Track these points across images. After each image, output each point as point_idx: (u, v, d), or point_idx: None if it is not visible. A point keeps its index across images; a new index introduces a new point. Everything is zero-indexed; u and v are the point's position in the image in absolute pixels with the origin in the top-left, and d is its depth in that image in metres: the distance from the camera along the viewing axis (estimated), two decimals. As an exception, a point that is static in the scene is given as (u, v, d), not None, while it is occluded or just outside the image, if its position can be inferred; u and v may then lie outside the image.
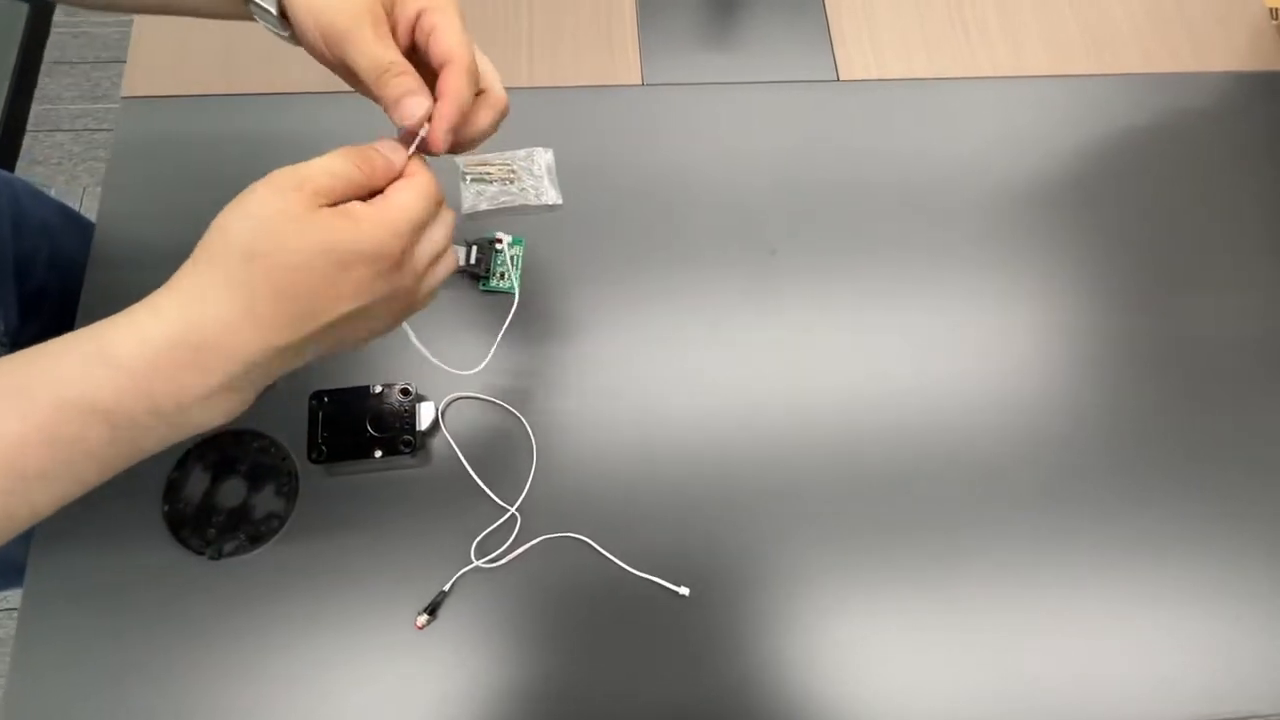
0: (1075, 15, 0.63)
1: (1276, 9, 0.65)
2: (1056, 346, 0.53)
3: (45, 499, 0.27)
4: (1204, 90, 0.61)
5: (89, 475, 0.27)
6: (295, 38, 0.33)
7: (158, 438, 0.27)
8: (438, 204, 0.30)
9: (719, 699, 0.43)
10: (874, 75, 0.59)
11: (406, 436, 0.44)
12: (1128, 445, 0.50)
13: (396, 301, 0.30)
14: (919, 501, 0.48)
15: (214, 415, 0.28)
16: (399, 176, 0.30)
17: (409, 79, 0.30)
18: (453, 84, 0.31)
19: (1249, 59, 0.62)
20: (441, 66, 0.31)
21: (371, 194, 0.30)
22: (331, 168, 0.28)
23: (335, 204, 0.28)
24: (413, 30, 0.32)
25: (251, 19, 0.34)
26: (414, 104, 0.30)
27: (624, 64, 0.59)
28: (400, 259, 0.29)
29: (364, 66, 0.30)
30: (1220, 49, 0.62)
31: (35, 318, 0.50)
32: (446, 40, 0.31)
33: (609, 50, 0.59)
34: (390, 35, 0.31)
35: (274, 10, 0.32)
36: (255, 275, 0.26)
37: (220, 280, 0.26)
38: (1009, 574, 0.47)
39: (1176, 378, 0.52)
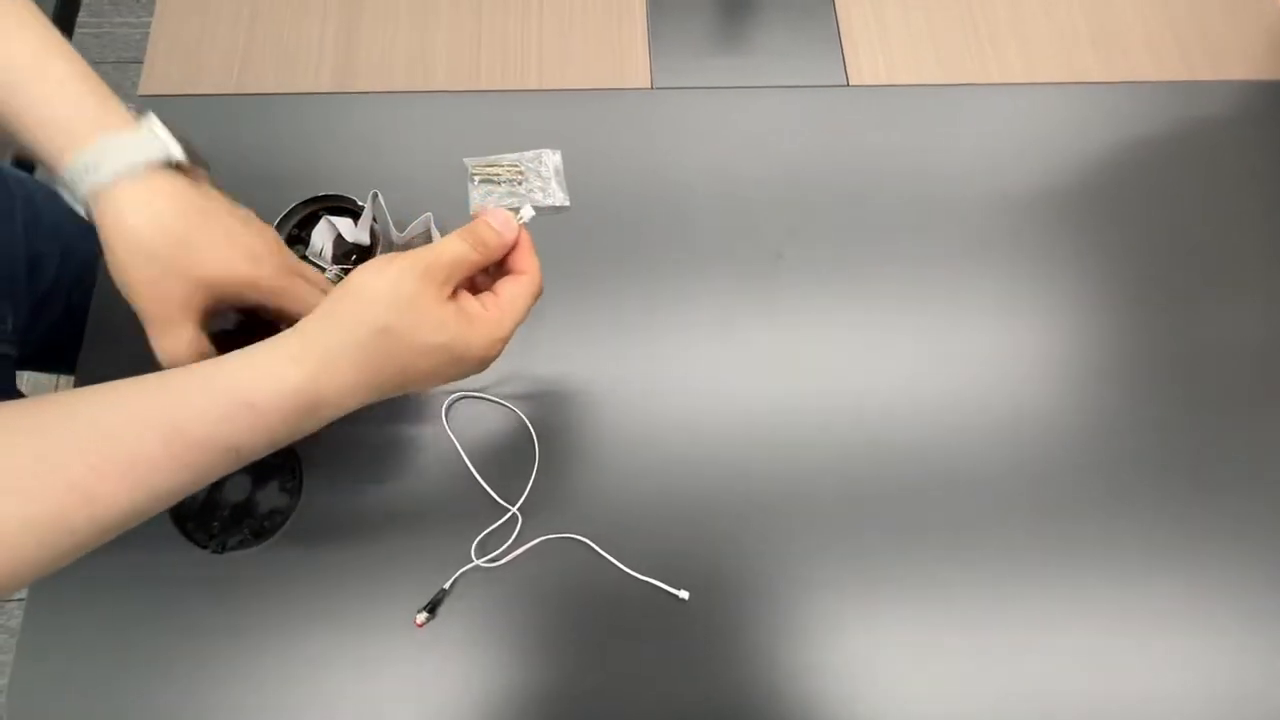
0: (1088, 22, 0.62)
1: (1295, 18, 0.64)
2: (1066, 355, 0.52)
3: (160, 507, 0.30)
4: (1219, 99, 0.60)
5: (196, 489, 0.31)
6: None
7: (259, 458, 0.32)
8: (538, 298, 0.35)
9: (716, 702, 0.43)
10: (884, 81, 0.59)
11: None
12: (1137, 456, 0.49)
13: (475, 374, 0.35)
14: (922, 509, 0.47)
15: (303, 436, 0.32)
16: (511, 249, 0.35)
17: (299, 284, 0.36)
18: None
19: (1265, 67, 0.61)
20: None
21: (485, 267, 0.34)
22: (460, 254, 0.33)
23: (458, 286, 0.33)
24: None
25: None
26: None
27: (633, 67, 0.59)
28: (498, 355, 0.34)
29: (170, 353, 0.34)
30: (1236, 57, 0.62)
31: (45, 316, 0.51)
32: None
33: (618, 53, 0.59)
34: (190, 317, 0.34)
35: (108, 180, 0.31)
36: (384, 350, 0.31)
37: (351, 346, 0.30)
38: (1013, 584, 0.46)
39: (1187, 388, 0.51)
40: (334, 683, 0.42)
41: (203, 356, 0.34)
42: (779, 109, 0.58)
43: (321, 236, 0.51)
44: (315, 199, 0.51)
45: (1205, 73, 0.61)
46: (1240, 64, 0.61)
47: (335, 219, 0.51)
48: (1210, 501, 0.48)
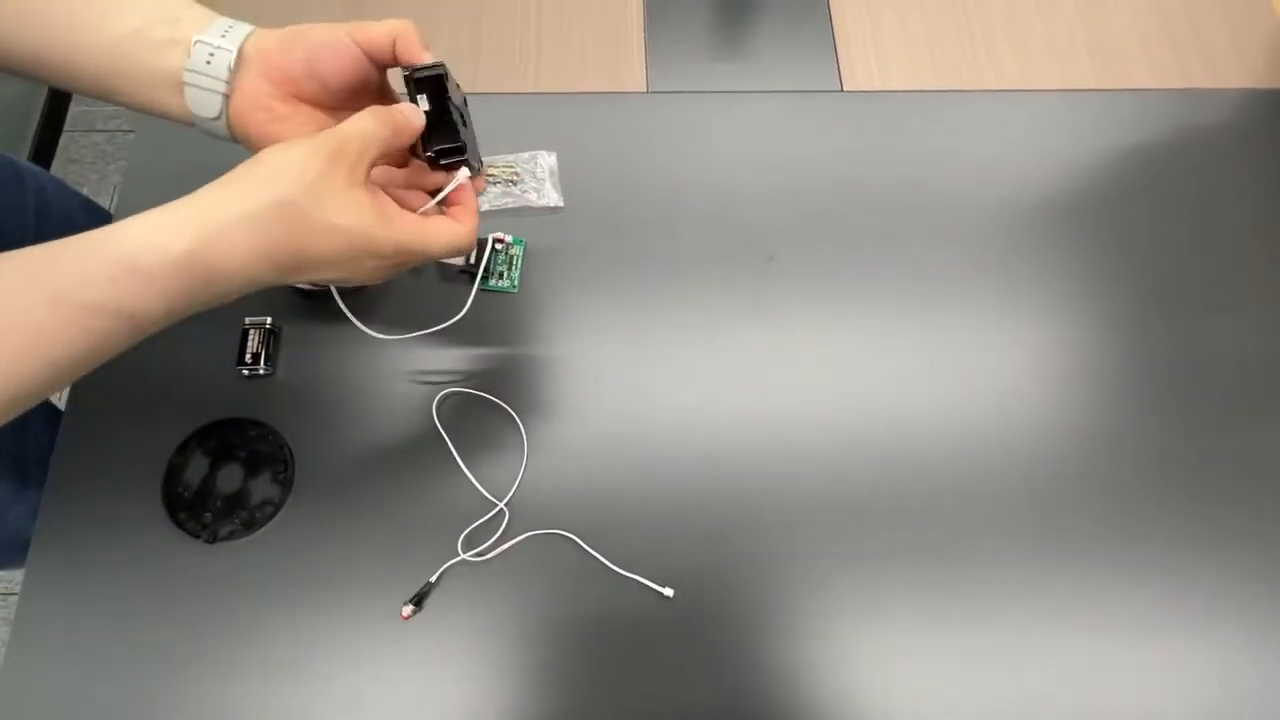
0: (1084, 29, 0.63)
1: (1294, 27, 0.64)
2: (1059, 362, 0.52)
3: (66, 379, 0.30)
4: (1216, 107, 0.60)
5: (105, 358, 0.30)
6: (229, 97, 0.35)
7: (164, 326, 0.31)
8: (465, 252, 0.36)
9: (700, 700, 0.43)
10: (878, 86, 0.60)
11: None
12: (1134, 460, 0.49)
13: (367, 278, 0.34)
14: (910, 511, 0.47)
15: (205, 308, 0.31)
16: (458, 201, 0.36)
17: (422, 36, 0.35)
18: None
19: (1263, 76, 0.61)
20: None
21: (395, 149, 0.34)
22: (368, 132, 0.32)
23: (370, 166, 0.32)
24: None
25: (143, 83, 0.35)
26: (428, 55, 0.35)
27: (630, 71, 0.60)
28: (402, 265, 0.34)
29: (390, 25, 0.35)
30: (1233, 65, 0.62)
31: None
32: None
33: (615, 57, 0.60)
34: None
35: (233, 49, 0.34)
36: (285, 224, 0.30)
37: (248, 216, 0.29)
38: (1006, 585, 0.46)
39: (1185, 396, 0.51)
40: (320, 673, 0.43)
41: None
42: (773, 114, 0.58)
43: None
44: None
45: (1203, 80, 0.61)
46: (1238, 72, 0.61)
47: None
48: (1212, 511, 0.48)
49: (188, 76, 0.34)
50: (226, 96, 0.35)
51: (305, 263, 0.31)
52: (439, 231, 0.34)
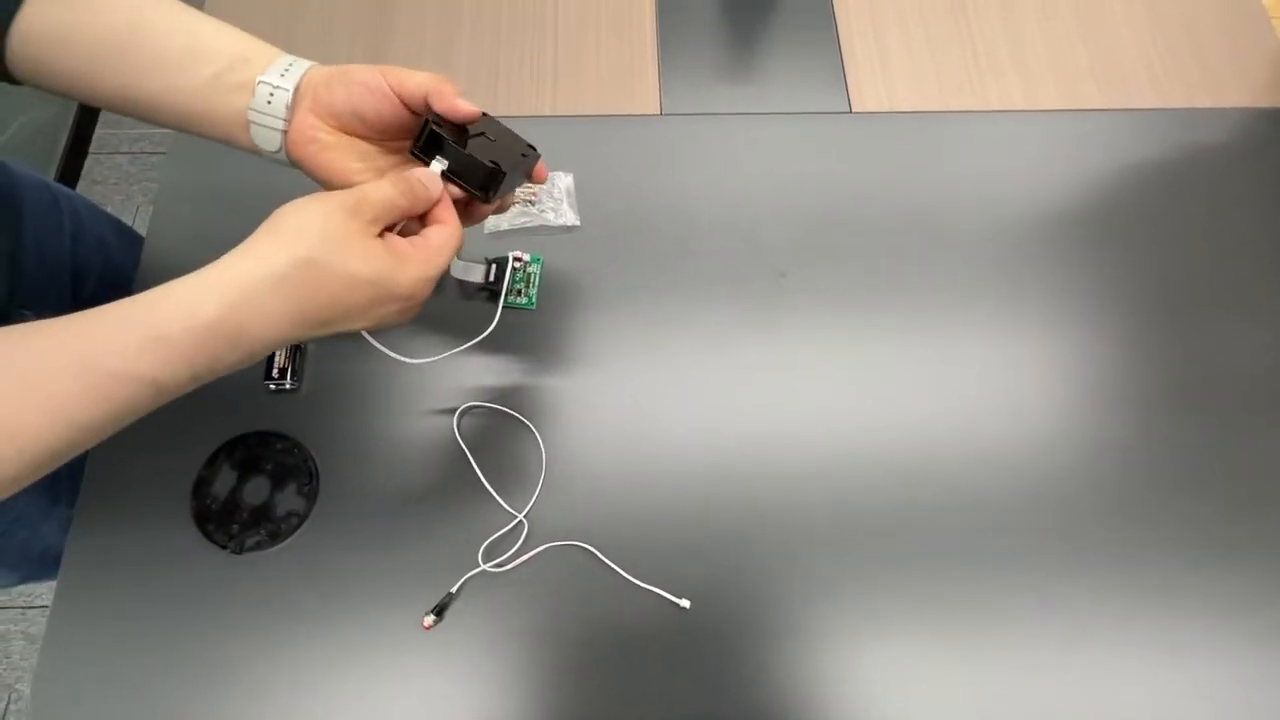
0: (1087, 50, 0.64)
1: (1295, 47, 0.65)
2: (1066, 377, 0.53)
3: (89, 442, 0.30)
4: (1218, 125, 0.61)
5: (127, 423, 0.31)
6: (286, 130, 0.37)
7: (189, 390, 0.32)
8: (460, 249, 0.37)
9: (716, 709, 0.43)
10: (886, 107, 0.61)
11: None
12: (1142, 476, 0.50)
13: (396, 323, 0.36)
14: (920, 524, 0.48)
15: (230, 371, 0.32)
16: (436, 207, 0.36)
17: (456, 87, 0.37)
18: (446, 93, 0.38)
19: (1265, 95, 0.62)
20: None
21: (411, 216, 0.36)
22: (388, 196, 0.34)
23: (385, 228, 0.34)
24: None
25: (217, 119, 0.37)
26: (468, 104, 0.37)
27: (644, 95, 0.61)
28: (423, 299, 0.36)
29: (424, 77, 0.36)
30: (1235, 84, 0.63)
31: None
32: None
33: (629, 81, 0.62)
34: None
35: (290, 88, 0.36)
36: (309, 281, 0.31)
37: (273, 277, 0.31)
38: (1017, 597, 0.46)
39: (1192, 409, 0.52)
40: (343, 682, 0.43)
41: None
42: (784, 134, 0.60)
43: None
44: (339, 217, 0.54)
45: (1204, 100, 0.62)
46: (1239, 92, 0.63)
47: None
48: (1222, 529, 0.48)
49: (252, 115, 0.37)
50: (285, 132, 0.37)
51: (333, 316, 0.32)
52: (440, 242, 0.35)
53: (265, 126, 0.37)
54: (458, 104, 0.36)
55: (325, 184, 0.38)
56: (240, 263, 0.31)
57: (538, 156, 0.41)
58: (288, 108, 0.36)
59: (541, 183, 0.43)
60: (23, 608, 1.08)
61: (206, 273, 0.31)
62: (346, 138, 0.38)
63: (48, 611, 0.44)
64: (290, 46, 0.42)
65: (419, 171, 0.36)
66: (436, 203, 0.36)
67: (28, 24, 0.35)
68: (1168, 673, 0.45)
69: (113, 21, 0.36)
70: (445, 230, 0.36)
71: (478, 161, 0.37)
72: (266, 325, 0.31)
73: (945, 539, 0.47)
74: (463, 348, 0.46)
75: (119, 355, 0.29)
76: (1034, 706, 0.44)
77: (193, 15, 0.37)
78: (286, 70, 0.37)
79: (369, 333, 0.40)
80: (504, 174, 0.38)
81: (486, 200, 0.39)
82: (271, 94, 0.36)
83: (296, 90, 0.36)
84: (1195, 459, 0.50)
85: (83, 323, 0.29)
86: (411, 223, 0.37)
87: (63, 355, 0.29)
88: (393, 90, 0.36)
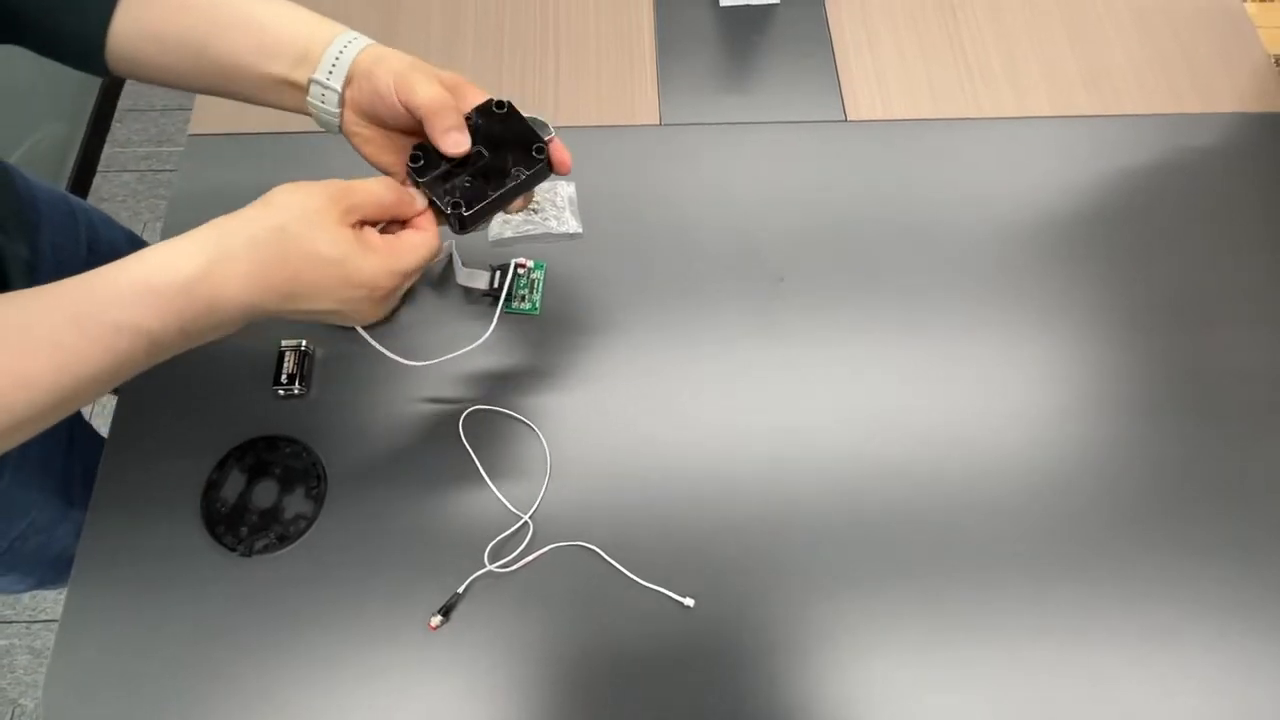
0: (1076, 57, 0.65)
1: (1281, 55, 0.66)
2: (1062, 379, 0.53)
3: (88, 395, 0.32)
4: (1207, 131, 0.62)
5: (123, 378, 0.32)
6: (340, 122, 0.40)
7: (177, 351, 0.33)
8: (432, 259, 0.38)
9: (720, 707, 0.44)
10: (880, 116, 0.63)
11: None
12: (1139, 481, 0.50)
13: (362, 313, 0.37)
14: (921, 525, 0.48)
15: (219, 336, 0.34)
16: (418, 215, 0.38)
17: (459, 118, 0.38)
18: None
19: (1251, 100, 0.64)
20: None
21: (392, 220, 0.37)
22: (374, 192, 0.36)
23: (364, 221, 0.36)
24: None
25: (301, 109, 0.41)
26: (458, 138, 0.38)
27: (644, 105, 0.63)
28: (387, 292, 0.36)
29: (426, 97, 0.37)
30: (1223, 91, 0.64)
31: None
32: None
33: (630, 92, 0.63)
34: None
35: (338, 88, 0.39)
36: (277, 246, 0.33)
37: (248, 240, 0.33)
38: (1019, 597, 0.47)
39: (1186, 410, 0.52)
40: (352, 682, 0.44)
41: (448, 96, 0.38)
42: (781, 143, 0.61)
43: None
44: (346, 226, 0.55)
45: (1193, 105, 0.63)
46: (1227, 97, 0.64)
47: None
48: (1222, 529, 0.49)
49: (312, 110, 0.40)
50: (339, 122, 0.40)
51: (297, 290, 0.34)
52: (412, 244, 0.37)
53: (324, 119, 0.40)
54: (444, 139, 0.37)
55: (375, 170, 0.41)
56: (226, 223, 0.33)
57: (547, 173, 0.40)
58: (338, 103, 0.39)
59: (565, 172, 0.42)
60: (28, 622, 1.08)
61: (194, 232, 0.33)
62: (382, 132, 0.40)
63: (53, 625, 0.45)
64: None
65: (411, 190, 0.38)
66: (421, 212, 0.38)
67: (120, 26, 0.38)
68: (1169, 671, 0.45)
69: (191, 23, 0.39)
70: (419, 235, 0.37)
71: (442, 201, 0.38)
72: (238, 287, 0.32)
73: (947, 539, 0.48)
74: (465, 350, 0.47)
75: (115, 306, 0.30)
76: (1036, 706, 0.44)
77: (262, 5, 0.39)
78: (335, 64, 0.38)
79: (369, 333, 0.42)
80: (466, 218, 0.38)
81: (460, 231, 0.39)
82: (323, 94, 0.39)
83: (344, 82, 0.39)
84: (1191, 459, 0.51)
85: (81, 281, 0.31)
86: (395, 225, 0.38)
87: (66, 310, 0.30)
88: (400, 103, 0.38)
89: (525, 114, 0.40)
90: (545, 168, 0.40)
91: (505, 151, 0.39)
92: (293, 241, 0.33)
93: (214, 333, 0.33)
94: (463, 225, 0.39)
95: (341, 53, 0.39)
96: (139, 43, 0.39)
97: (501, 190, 0.39)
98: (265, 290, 0.33)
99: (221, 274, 0.32)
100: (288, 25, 0.39)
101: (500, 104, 0.39)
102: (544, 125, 0.40)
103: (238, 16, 0.39)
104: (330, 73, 0.38)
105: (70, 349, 0.30)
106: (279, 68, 0.39)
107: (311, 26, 0.39)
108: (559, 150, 0.41)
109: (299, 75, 0.39)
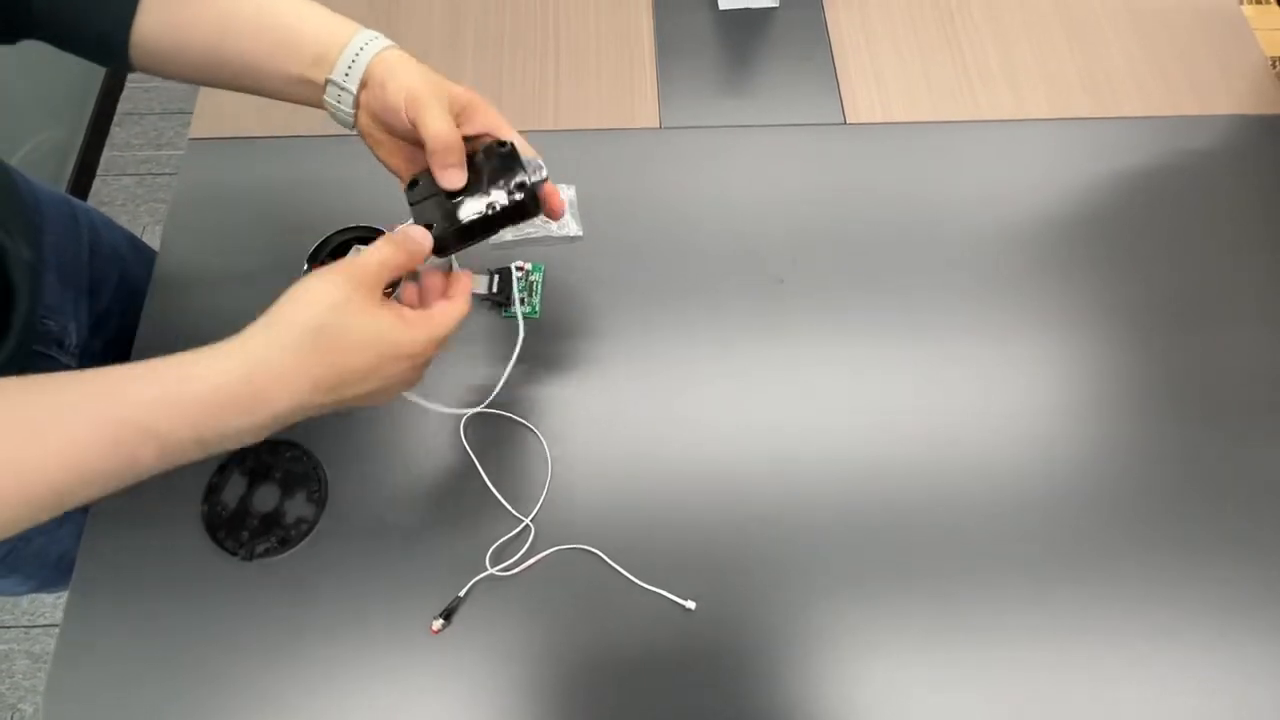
0: (1075, 60, 0.66)
1: (1278, 58, 0.67)
2: (1061, 379, 0.53)
3: (91, 496, 0.31)
4: (1205, 133, 0.63)
5: (129, 481, 0.32)
6: (356, 121, 0.41)
7: (192, 458, 0.33)
8: (463, 319, 0.38)
9: (721, 709, 0.44)
10: (879, 119, 0.63)
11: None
12: (1139, 482, 0.50)
13: (406, 384, 0.37)
14: (921, 526, 0.48)
15: (241, 444, 0.34)
16: (455, 282, 0.39)
17: (461, 155, 0.39)
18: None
19: (1249, 103, 0.64)
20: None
21: (412, 273, 0.38)
22: (386, 258, 0.36)
23: (390, 288, 0.36)
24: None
25: (319, 105, 0.41)
26: (456, 175, 0.38)
27: (643, 108, 0.63)
28: (427, 360, 0.37)
29: (434, 131, 0.37)
30: (1221, 93, 0.64)
31: (100, 335, 0.55)
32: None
33: (629, 96, 0.63)
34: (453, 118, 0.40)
35: (354, 90, 0.39)
36: (320, 346, 0.33)
37: (287, 344, 0.33)
38: (1020, 598, 0.47)
39: (1183, 413, 0.52)
40: (354, 686, 0.44)
41: (455, 131, 0.39)
42: (780, 146, 0.61)
43: (352, 263, 0.54)
44: (347, 229, 0.55)
45: (1191, 108, 0.64)
46: (1225, 100, 0.64)
47: (365, 247, 0.55)
48: (1222, 529, 0.49)
49: (329, 108, 0.41)
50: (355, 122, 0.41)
51: (344, 380, 0.34)
52: (446, 315, 0.37)
53: (340, 118, 0.41)
54: (442, 174, 0.38)
55: (386, 169, 0.42)
56: (258, 334, 0.33)
57: (532, 211, 0.40)
58: (353, 105, 0.40)
59: (556, 218, 0.43)
60: (26, 627, 1.08)
61: (227, 343, 0.33)
62: (392, 137, 0.41)
63: (51, 630, 0.45)
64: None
65: (407, 228, 0.38)
66: (455, 282, 0.39)
67: (144, 22, 0.39)
68: (1170, 671, 0.45)
69: (212, 21, 0.39)
70: (453, 303, 0.38)
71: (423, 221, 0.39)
72: (283, 391, 0.32)
73: (948, 540, 0.48)
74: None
75: (130, 405, 0.30)
76: (1037, 706, 0.44)
77: (283, 3, 0.40)
78: (351, 66, 0.39)
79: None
80: (437, 237, 0.39)
81: (436, 253, 0.39)
82: (339, 95, 0.40)
83: (359, 84, 0.40)
84: (1190, 459, 0.51)
85: (106, 375, 0.31)
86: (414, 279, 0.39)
87: (86, 405, 0.30)
88: (409, 122, 0.38)
89: (526, 157, 0.40)
90: (526, 205, 0.39)
91: (497, 188, 0.39)
92: (333, 337, 0.33)
93: (255, 436, 0.33)
94: (437, 246, 0.39)
95: (358, 55, 0.39)
96: (161, 40, 0.40)
97: (472, 219, 0.39)
98: (313, 390, 0.33)
99: (261, 383, 0.32)
100: (307, 24, 0.40)
101: (503, 144, 0.39)
102: (537, 167, 0.40)
103: (258, 15, 0.39)
104: (346, 74, 0.39)
105: (80, 445, 0.30)
106: (297, 67, 0.39)
107: (330, 26, 0.40)
108: (551, 196, 0.41)
109: (316, 75, 0.39)
